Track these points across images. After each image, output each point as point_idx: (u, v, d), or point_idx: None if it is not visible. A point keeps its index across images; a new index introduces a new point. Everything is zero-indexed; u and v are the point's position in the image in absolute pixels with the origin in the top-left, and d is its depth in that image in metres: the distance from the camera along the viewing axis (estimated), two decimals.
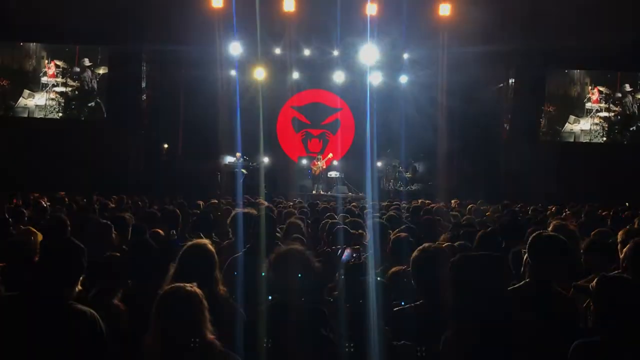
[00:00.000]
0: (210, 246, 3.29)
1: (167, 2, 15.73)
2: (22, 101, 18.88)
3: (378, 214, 7.47)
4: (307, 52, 17.61)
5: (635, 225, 5.79)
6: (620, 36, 15.49)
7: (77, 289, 2.83)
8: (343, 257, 3.66)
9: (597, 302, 2.54)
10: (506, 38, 16.22)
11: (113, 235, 4.49)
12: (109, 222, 4.55)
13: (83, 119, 18.60)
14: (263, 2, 15.05)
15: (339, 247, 3.58)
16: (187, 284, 2.54)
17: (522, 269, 3.43)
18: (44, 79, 18.97)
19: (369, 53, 16.66)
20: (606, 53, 16.81)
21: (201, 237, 5.11)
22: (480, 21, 15.38)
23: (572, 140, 19.35)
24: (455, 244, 4.64)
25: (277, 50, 17.49)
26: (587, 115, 19.82)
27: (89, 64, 18.87)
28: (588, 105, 19.86)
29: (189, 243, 3.33)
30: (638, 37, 15.79)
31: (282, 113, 19.82)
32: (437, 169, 17.90)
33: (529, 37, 16.33)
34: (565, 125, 19.76)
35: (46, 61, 19.02)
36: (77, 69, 18.75)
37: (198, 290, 2.52)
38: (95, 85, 18.87)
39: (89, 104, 18.91)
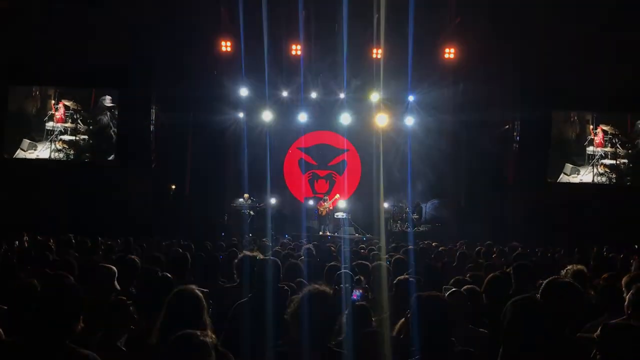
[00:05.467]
0: (197, 291, 3.25)
1: (177, 45, 16.04)
2: (20, 153, 16.21)
3: (386, 256, 7.42)
4: (314, 94, 17.84)
5: (632, 268, 5.73)
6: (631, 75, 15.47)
7: (79, 326, 2.82)
8: (353, 297, 3.59)
9: (602, 352, 2.49)
10: (512, 79, 16.35)
11: (115, 280, 4.49)
12: (113, 267, 4.55)
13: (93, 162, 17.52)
14: (271, 45, 15.35)
15: (343, 286, 3.52)
16: (199, 332, 2.53)
17: None
18: (49, 125, 16.33)
19: (374, 95, 16.84)
20: (616, 93, 16.09)
21: (207, 280, 5.17)
22: (484, 64, 15.63)
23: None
24: (462, 288, 4.59)
25: (284, 93, 17.76)
26: (588, 163, 16.51)
27: (111, 104, 16.90)
28: (590, 149, 16.54)
29: (176, 289, 3.30)
30: None
31: (289, 154, 19.94)
32: (445, 210, 17.86)
33: (534, 78, 16.44)
34: (560, 177, 16.61)
35: (53, 101, 16.45)
36: (93, 111, 16.80)
37: (209, 340, 2.51)
38: (115, 132, 16.82)
39: (108, 158, 16.97)
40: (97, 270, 4.49)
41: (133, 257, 5.36)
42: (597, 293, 4.22)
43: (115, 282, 4.48)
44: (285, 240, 11.71)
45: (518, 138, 17.90)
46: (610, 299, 4.08)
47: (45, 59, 16.31)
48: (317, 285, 3.16)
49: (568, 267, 5.02)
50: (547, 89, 16.64)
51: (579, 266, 5.29)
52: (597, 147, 16.62)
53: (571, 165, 16.57)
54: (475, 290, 4.56)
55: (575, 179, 16.41)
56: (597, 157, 16.59)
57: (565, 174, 16.51)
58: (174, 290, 3.29)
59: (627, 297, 3.47)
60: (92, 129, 16.84)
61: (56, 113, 16.62)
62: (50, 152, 16.52)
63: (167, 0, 15.36)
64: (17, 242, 9.25)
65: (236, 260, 5.18)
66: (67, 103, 16.75)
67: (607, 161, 16.55)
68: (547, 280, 3.30)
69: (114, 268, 4.51)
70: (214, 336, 3.02)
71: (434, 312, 2.83)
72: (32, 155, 16.41)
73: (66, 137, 16.63)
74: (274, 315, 3.73)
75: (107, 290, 4.32)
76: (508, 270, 5.59)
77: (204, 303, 3.22)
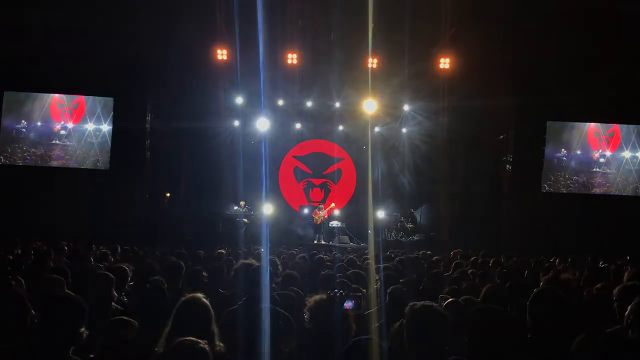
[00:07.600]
0: (205, 300, 3.24)
1: (172, 53, 16.04)
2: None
3: (380, 266, 7.41)
4: (309, 103, 17.89)
5: (625, 279, 5.72)
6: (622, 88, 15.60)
7: (83, 335, 2.81)
8: (348, 306, 3.55)
9: None
10: (506, 90, 16.43)
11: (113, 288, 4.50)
12: (111, 275, 4.54)
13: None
14: (266, 54, 15.37)
15: (336, 290, 3.48)
16: (200, 340, 2.52)
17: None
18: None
19: (370, 104, 16.89)
20: (607, 105, 16.57)
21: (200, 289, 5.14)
22: (479, 73, 15.71)
23: None
24: (460, 299, 4.58)
25: (280, 101, 17.79)
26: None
27: (106, 113, 17.34)
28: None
29: (184, 297, 3.29)
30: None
31: (284, 163, 19.95)
32: (439, 219, 17.88)
33: (530, 88, 16.51)
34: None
35: None
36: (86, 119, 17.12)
37: (208, 349, 2.49)
38: (109, 140, 17.28)
39: (101, 166, 17.31)
40: (97, 278, 4.48)
41: (123, 265, 5.35)
42: (588, 302, 4.21)
43: (113, 290, 4.48)
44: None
45: (513, 148, 17.98)
46: (602, 309, 4.07)
47: (39, 65, 16.30)
48: (316, 296, 3.15)
49: (547, 276, 5.01)
50: (542, 100, 16.71)
51: (567, 274, 5.31)
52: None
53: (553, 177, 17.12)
54: (472, 300, 4.56)
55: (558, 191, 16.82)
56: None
57: (544, 185, 16.92)
58: (181, 299, 3.28)
59: (630, 306, 3.46)
60: (85, 137, 17.17)
61: None
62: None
63: (163, 8, 15.36)
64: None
65: (229, 270, 5.16)
66: (59, 110, 17.07)
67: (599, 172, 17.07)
68: (533, 292, 3.35)
69: (112, 275, 4.51)
70: (222, 345, 3.02)
71: (427, 322, 2.80)
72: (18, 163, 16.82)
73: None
74: (264, 321, 3.73)
75: (105, 298, 4.32)
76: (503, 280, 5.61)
77: (212, 312, 3.21)
